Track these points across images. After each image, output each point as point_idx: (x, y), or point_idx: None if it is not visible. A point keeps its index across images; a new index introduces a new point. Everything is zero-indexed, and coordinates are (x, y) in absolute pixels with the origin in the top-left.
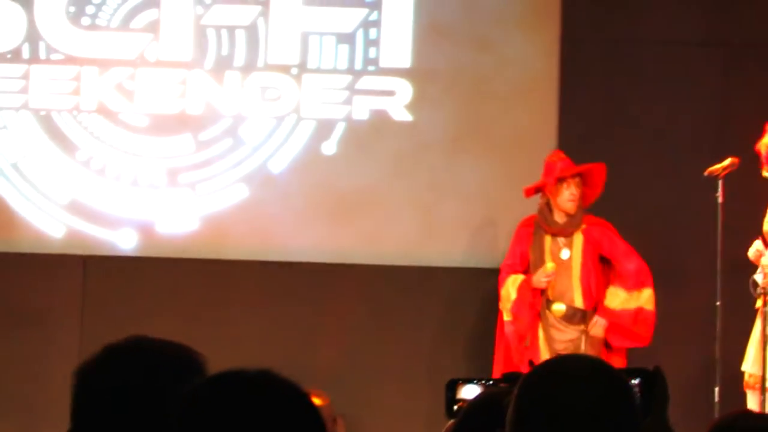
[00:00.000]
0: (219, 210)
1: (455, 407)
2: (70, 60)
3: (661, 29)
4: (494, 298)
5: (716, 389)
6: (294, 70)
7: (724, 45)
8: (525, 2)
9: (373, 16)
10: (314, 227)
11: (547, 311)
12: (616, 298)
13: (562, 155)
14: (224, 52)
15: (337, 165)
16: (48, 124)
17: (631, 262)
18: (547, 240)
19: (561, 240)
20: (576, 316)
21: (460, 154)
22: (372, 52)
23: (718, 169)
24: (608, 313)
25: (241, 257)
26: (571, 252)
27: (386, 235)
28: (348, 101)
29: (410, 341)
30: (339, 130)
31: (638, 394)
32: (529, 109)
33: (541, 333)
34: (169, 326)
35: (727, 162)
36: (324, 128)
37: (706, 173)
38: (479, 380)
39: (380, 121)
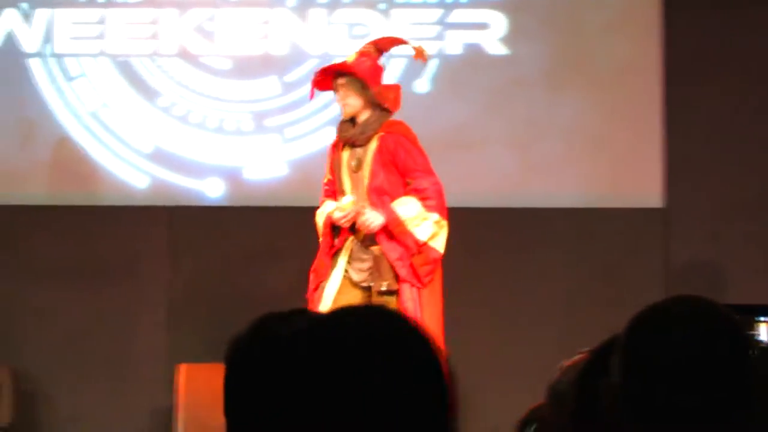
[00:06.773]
0: (308, 154)
1: None
2: (147, 3)
3: None
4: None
5: None
6: (382, 6)
7: None
8: None
9: None
10: None
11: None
12: (408, 206)
13: (365, 49)
14: None
15: (430, 103)
16: (127, 70)
17: (426, 180)
18: (346, 152)
19: (358, 151)
20: (367, 239)
21: (558, 89)
22: None
23: None
24: (391, 213)
25: None
26: (363, 162)
27: (483, 175)
28: (440, 36)
29: (512, 290)
30: (431, 66)
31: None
32: (630, 39)
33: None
34: (259, 276)
35: None
36: (415, 65)
37: None
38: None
39: (474, 55)
